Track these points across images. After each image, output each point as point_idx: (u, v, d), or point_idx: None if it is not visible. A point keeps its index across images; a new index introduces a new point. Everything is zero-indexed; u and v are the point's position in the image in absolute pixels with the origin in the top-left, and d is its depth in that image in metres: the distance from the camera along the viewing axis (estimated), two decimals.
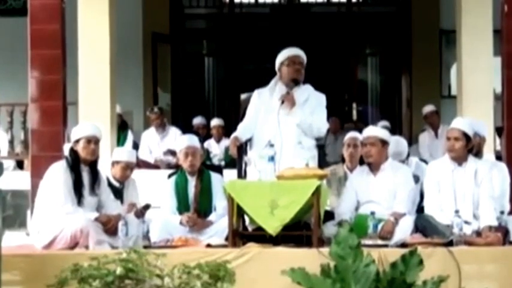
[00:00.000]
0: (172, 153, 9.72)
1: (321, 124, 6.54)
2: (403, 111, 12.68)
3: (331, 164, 7.97)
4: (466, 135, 6.20)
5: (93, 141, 6.14)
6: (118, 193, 6.76)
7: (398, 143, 7.04)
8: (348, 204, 6.50)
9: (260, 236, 5.90)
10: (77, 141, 6.11)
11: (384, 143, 6.55)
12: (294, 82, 6.52)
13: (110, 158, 7.11)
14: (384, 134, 6.67)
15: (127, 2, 10.99)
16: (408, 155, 7.18)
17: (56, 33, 7.17)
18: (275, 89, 6.58)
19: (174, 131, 10.53)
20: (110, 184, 6.62)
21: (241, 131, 6.56)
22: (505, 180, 6.59)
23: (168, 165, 9.81)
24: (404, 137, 7.91)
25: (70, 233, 5.84)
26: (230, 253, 5.61)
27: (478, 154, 6.47)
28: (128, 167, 6.97)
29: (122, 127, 10.29)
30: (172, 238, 6.21)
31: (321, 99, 6.62)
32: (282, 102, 6.42)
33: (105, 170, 6.72)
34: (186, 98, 13.40)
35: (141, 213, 6.56)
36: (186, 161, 6.74)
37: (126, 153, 7.21)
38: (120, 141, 10.11)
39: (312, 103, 6.54)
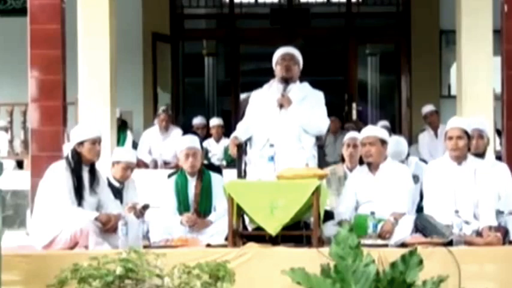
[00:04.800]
0: (167, 164, 9.85)
1: (320, 121, 6.53)
2: (403, 111, 12.66)
3: (331, 164, 7.97)
4: (466, 133, 6.20)
5: (97, 142, 6.12)
6: (118, 193, 6.75)
7: (398, 143, 7.04)
8: (347, 204, 6.50)
9: (260, 236, 5.90)
10: (81, 143, 6.05)
11: (383, 142, 6.55)
12: (285, 81, 6.53)
13: (110, 158, 7.10)
14: (383, 133, 6.67)
15: (127, 2, 10.99)
16: (408, 155, 7.18)
17: (56, 33, 7.18)
18: (272, 87, 6.60)
19: (176, 132, 10.49)
20: (110, 184, 6.61)
21: (241, 131, 6.57)
22: (505, 180, 6.58)
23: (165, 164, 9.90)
24: (404, 137, 7.89)
25: (70, 233, 5.84)
26: (230, 253, 5.61)
27: (483, 155, 6.48)
28: (128, 167, 6.95)
29: (121, 127, 10.29)
30: (172, 238, 6.21)
31: (319, 96, 6.63)
32: (281, 106, 6.43)
33: (105, 170, 6.72)
34: (186, 98, 13.40)
35: (140, 213, 6.56)
36: (186, 161, 6.73)
37: (126, 153, 7.20)
38: (120, 141, 10.11)
39: (310, 101, 6.54)
